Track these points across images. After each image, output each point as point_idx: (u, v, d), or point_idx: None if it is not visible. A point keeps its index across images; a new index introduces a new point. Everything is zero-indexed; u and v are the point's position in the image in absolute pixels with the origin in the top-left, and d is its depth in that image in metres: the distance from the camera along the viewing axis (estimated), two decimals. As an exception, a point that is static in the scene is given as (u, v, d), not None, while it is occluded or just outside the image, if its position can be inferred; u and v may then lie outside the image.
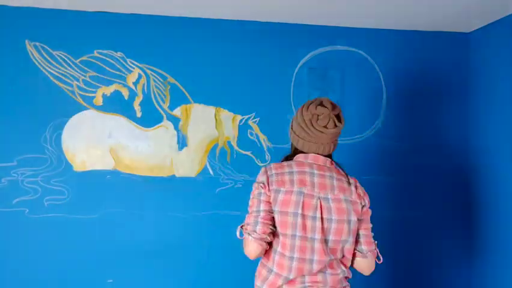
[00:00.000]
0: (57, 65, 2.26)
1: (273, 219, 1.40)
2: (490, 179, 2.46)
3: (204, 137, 2.38)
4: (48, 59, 2.25)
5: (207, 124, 2.38)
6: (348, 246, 1.43)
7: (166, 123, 2.35)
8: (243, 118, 2.40)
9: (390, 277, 2.56)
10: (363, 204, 1.47)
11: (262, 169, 1.46)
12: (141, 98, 2.33)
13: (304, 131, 1.44)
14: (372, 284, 2.56)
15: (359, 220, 1.47)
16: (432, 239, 2.59)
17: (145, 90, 2.33)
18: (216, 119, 2.39)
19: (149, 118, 2.34)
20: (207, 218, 2.35)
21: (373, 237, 1.54)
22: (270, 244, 1.43)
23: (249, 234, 1.38)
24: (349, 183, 1.46)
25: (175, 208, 2.34)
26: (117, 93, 2.31)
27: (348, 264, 1.48)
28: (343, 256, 1.46)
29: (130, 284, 2.30)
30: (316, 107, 1.42)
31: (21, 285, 2.21)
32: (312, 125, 1.42)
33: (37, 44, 2.24)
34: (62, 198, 2.24)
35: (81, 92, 2.28)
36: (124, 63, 2.32)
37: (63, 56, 2.26)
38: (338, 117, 1.44)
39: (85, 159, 2.27)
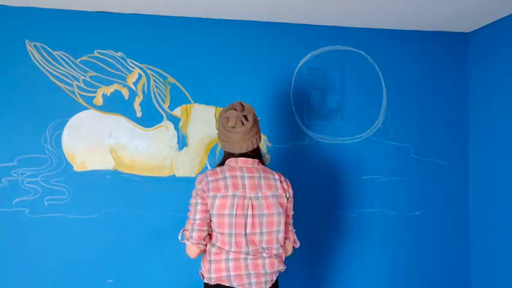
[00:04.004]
0: (57, 65, 2.26)
1: (208, 224, 1.61)
2: (490, 179, 2.46)
3: (204, 137, 2.38)
4: (49, 59, 2.25)
5: (207, 124, 2.38)
6: (282, 235, 1.64)
7: (166, 123, 2.35)
8: (243, 118, 2.40)
9: (391, 275, 2.56)
10: (287, 196, 1.66)
11: (199, 176, 1.62)
12: (141, 98, 2.33)
13: (222, 134, 1.63)
14: (373, 282, 2.56)
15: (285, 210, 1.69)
16: (432, 239, 2.60)
17: (145, 90, 2.34)
18: (216, 119, 2.39)
19: (150, 118, 2.34)
20: (207, 218, 2.35)
21: (293, 224, 1.77)
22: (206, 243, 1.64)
23: (187, 239, 1.61)
24: (275, 180, 1.64)
25: (175, 208, 2.34)
26: (117, 93, 2.31)
27: (282, 250, 1.68)
28: (279, 244, 1.65)
29: (130, 284, 2.30)
30: (226, 111, 1.60)
31: (22, 285, 2.21)
32: (224, 127, 1.60)
33: (37, 44, 2.24)
34: (62, 198, 2.24)
35: (81, 92, 2.28)
36: (124, 63, 2.32)
37: (63, 56, 2.26)
38: (245, 117, 1.59)
39: (85, 159, 2.27)
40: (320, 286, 2.50)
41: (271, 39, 2.44)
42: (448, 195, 2.61)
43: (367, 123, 2.55)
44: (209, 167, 2.38)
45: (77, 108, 2.27)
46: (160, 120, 2.35)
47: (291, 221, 1.75)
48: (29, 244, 2.21)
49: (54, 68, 2.25)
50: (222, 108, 2.39)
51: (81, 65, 2.28)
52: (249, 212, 1.57)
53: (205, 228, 1.60)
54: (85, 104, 2.28)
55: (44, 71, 2.24)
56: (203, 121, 2.38)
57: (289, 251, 1.78)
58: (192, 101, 2.38)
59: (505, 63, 2.34)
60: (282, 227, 1.63)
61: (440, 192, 2.61)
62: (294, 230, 1.78)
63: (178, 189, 2.34)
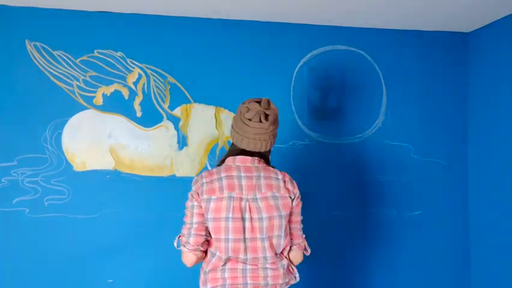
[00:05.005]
0: (57, 65, 2.26)
1: (206, 229, 1.49)
2: (490, 179, 2.46)
3: (204, 137, 2.38)
4: (49, 58, 2.25)
5: (207, 124, 2.38)
6: (283, 240, 1.50)
7: (166, 123, 2.35)
8: (243, 118, 2.40)
9: (391, 275, 2.56)
10: (292, 197, 1.52)
11: (195, 178, 1.52)
12: (141, 98, 2.33)
13: (236, 123, 1.51)
14: (373, 282, 2.56)
15: (290, 213, 1.54)
16: (432, 239, 2.60)
17: (145, 90, 2.34)
18: (216, 119, 2.39)
19: (150, 118, 2.34)
20: (207, 218, 2.35)
21: (302, 229, 1.61)
22: (205, 251, 1.52)
23: (184, 245, 1.48)
24: (277, 179, 1.50)
25: (175, 208, 2.34)
26: (117, 93, 2.31)
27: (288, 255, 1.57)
28: (282, 250, 1.53)
29: (130, 284, 2.30)
30: (250, 102, 1.48)
31: (21, 285, 2.21)
32: (240, 117, 1.48)
33: (37, 44, 2.24)
34: (62, 198, 2.24)
35: (81, 92, 2.28)
36: (124, 63, 2.32)
37: (63, 56, 2.26)
38: (266, 115, 1.47)
39: (85, 159, 2.27)
40: (320, 285, 2.50)
41: (271, 39, 2.44)
42: (448, 195, 2.61)
43: (367, 123, 2.55)
44: (209, 167, 2.38)
45: (77, 108, 2.27)
46: (160, 120, 2.35)
47: (299, 226, 1.59)
48: (29, 244, 2.21)
49: (55, 68, 2.25)
50: (221, 108, 2.39)
51: (81, 65, 2.28)
52: (247, 216, 1.44)
53: (203, 233, 1.48)
54: (85, 104, 2.28)
55: (44, 71, 2.24)
56: (203, 121, 2.38)
57: (300, 259, 1.61)
58: (192, 101, 2.38)
59: (505, 63, 2.34)
60: (283, 232, 1.49)
61: (440, 192, 2.61)
62: (304, 236, 1.62)
63: (178, 189, 2.34)
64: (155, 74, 2.34)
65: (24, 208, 2.21)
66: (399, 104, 2.57)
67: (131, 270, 2.30)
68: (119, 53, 2.31)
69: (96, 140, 2.28)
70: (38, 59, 2.24)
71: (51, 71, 2.25)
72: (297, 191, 1.55)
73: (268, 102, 1.49)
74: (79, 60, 2.28)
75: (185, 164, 2.36)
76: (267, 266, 1.47)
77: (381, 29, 2.56)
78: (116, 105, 2.31)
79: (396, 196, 2.57)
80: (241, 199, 1.44)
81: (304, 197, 2.40)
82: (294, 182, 1.56)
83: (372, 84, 2.55)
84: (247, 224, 1.44)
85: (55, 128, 2.25)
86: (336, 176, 2.51)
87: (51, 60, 2.25)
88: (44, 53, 2.24)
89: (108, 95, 2.30)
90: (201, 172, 2.36)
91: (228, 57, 2.40)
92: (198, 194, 1.47)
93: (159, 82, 2.35)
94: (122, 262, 2.29)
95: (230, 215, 1.43)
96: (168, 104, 2.36)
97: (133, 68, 2.32)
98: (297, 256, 1.60)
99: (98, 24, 2.28)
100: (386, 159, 2.56)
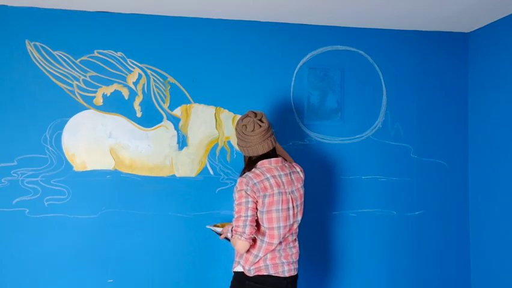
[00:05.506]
0: (57, 65, 2.26)
1: (256, 220, 1.77)
2: (490, 179, 2.46)
3: (204, 137, 2.38)
4: (49, 58, 2.25)
5: (207, 124, 2.38)
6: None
7: (166, 123, 2.35)
8: (243, 118, 2.40)
9: (391, 276, 2.56)
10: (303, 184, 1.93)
11: (244, 180, 1.76)
12: (141, 98, 2.33)
13: (242, 140, 1.81)
14: (373, 283, 2.56)
15: None
16: (432, 239, 2.60)
17: (145, 90, 2.34)
18: (216, 119, 2.39)
19: (150, 118, 2.34)
20: (207, 218, 2.35)
21: None
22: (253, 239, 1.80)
23: (240, 235, 1.72)
24: (298, 172, 1.89)
25: (175, 208, 2.34)
26: (117, 93, 2.31)
27: None
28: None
29: (130, 284, 2.30)
30: (243, 120, 1.82)
31: (22, 285, 2.21)
32: (244, 133, 1.79)
33: (37, 44, 2.24)
34: (62, 198, 2.24)
35: (81, 92, 2.28)
36: (124, 63, 2.32)
37: (63, 56, 2.26)
38: (260, 120, 1.81)
39: (85, 159, 2.27)
40: (319, 286, 2.50)
41: (271, 39, 2.44)
42: (448, 195, 2.62)
43: (367, 123, 2.55)
44: (209, 167, 2.38)
45: (77, 108, 2.27)
46: (160, 120, 2.35)
47: None
48: (29, 244, 2.21)
49: (55, 68, 2.25)
50: (221, 108, 2.39)
51: (81, 65, 2.28)
52: (290, 205, 1.80)
53: (255, 224, 1.75)
54: (85, 104, 2.28)
55: (44, 71, 2.24)
56: (203, 121, 2.38)
57: None
58: (191, 101, 2.38)
59: (505, 63, 2.34)
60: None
61: (440, 192, 2.61)
62: None
63: (178, 189, 2.34)
64: (155, 74, 2.34)
65: (24, 208, 2.21)
66: (399, 104, 2.57)
67: (131, 270, 2.30)
68: (119, 53, 2.31)
69: (96, 140, 2.28)
70: (38, 59, 2.24)
71: (51, 71, 2.25)
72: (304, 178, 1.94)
73: (254, 112, 1.83)
74: (79, 60, 2.28)
75: (185, 164, 2.36)
76: (291, 245, 1.85)
77: (381, 29, 2.56)
78: (116, 105, 2.31)
79: (396, 196, 2.57)
80: (285, 193, 1.79)
81: (304, 197, 2.40)
82: (302, 168, 1.94)
83: (372, 84, 2.55)
84: (291, 212, 1.80)
85: (55, 128, 2.25)
86: (336, 176, 2.51)
87: (51, 60, 2.25)
88: (44, 53, 2.24)
89: (108, 95, 2.30)
90: (202, 171, 2.36)
91: (228, 57, 2.40)
92: (253, 191, 1.74)
93: (159, 82, 2.35)
94: (122, 262, 2.29)
95: (280, 207, 1.77)
96: (168, 104, 2.36)
97: (133, 68, 2.32)
98: None
99: (98, 24, 2.28)
100: (386, 159, 2.56)
